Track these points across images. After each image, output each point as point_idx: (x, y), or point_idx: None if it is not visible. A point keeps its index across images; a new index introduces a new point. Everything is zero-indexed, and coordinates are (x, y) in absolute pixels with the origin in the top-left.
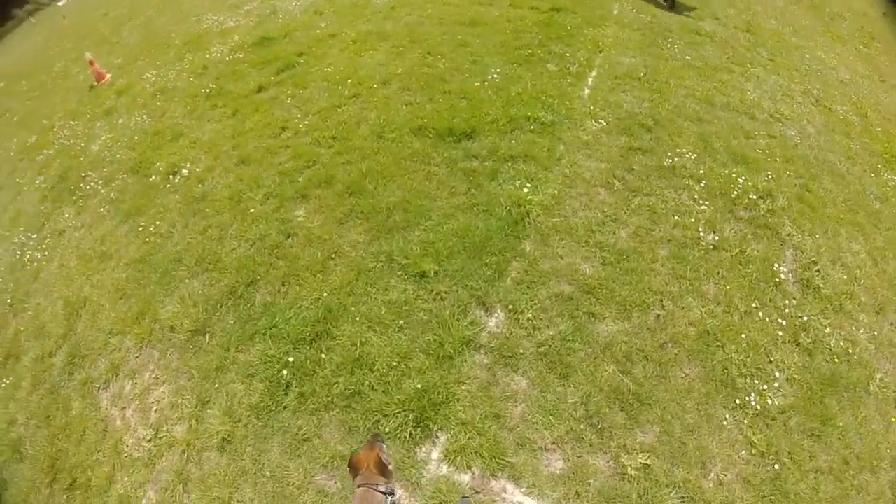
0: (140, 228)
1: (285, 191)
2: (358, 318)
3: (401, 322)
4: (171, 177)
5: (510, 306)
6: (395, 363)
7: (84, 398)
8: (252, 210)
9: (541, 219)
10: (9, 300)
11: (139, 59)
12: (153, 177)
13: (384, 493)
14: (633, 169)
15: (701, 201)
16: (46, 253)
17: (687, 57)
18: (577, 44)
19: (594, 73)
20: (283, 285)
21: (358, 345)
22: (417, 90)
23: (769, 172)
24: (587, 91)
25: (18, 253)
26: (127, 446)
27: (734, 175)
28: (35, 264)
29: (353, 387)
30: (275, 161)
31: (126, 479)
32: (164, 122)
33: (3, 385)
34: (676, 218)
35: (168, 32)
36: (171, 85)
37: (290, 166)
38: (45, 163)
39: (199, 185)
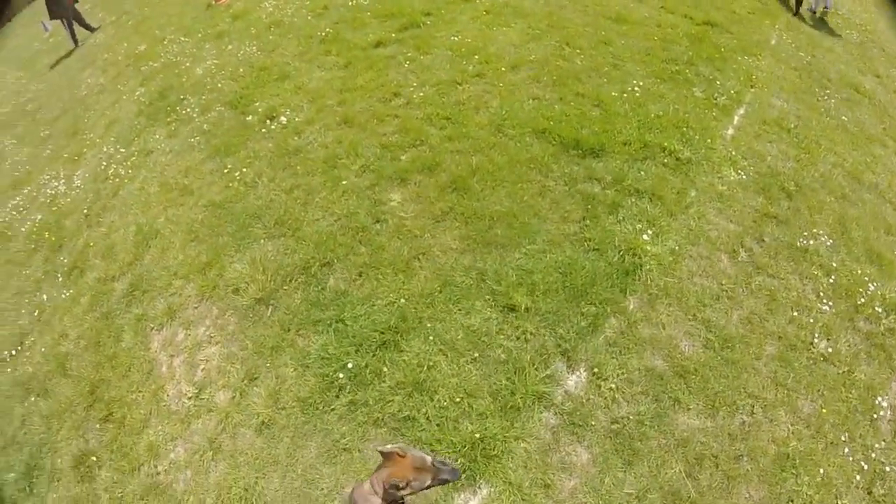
0: (226, 170)
1: (384, 168)
2: (431, 337)
3: (476, 354)
4: (268, 121)
5: (595, 369)
6: (458, 399)
7: (136, 334)
8: (345, 181)
9: (653, 275)
10: (85, 210)
11: None
12: (250, 116)
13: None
14: (763, 240)
15: (825, 300)
16: (130, 171)
17: (843, 117)
18: (729, 70)
19: (742, 111)
20: (360, 276)
21: (425, 367)
22: (548, 85)
23: None
24: (731, 131)
25: (104, 164)
26: (167, 396)
27: (865, 277)
28: (117, 180)
29: (408, 411)
30: (379, 130)
31: (160, 428)
32: (272, 59)
33: (63, 296)
34: (795, 313)
35: None
36: (287, 20)
37: (394, 140)
38: (148, 75)
39: (296, 138)
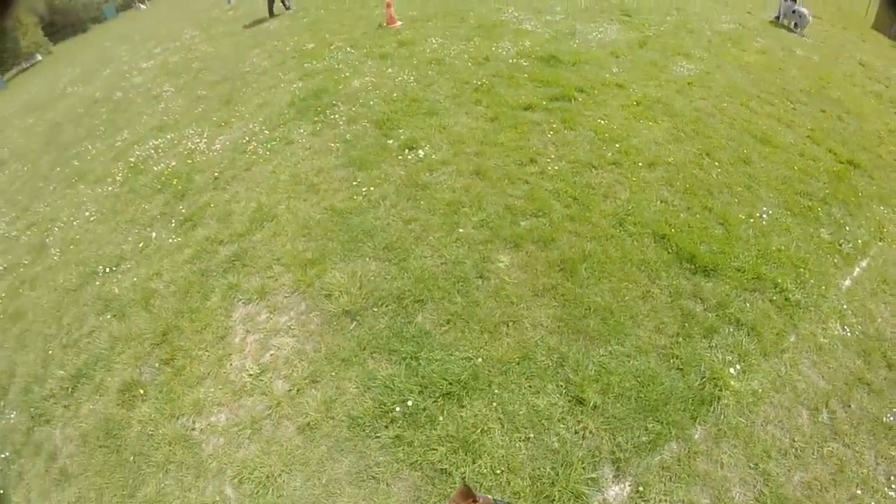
0: (355, 182)
1: (502, 228)
2: (495, 403)
3: (531, 434)
4: (406, 150)
5: (641, 487)
6: (499, 470)
7: (224, 299)
8: (461, 229)
9: (728, 411)
10: (216, 174)
11: (431, 21)
12: (391, 140)
13: None
14: (849, 406)
15: (894, 485)
16: (268, 153)
17: None
18: (862, 217)
19: (864, 264)
20: (448, 323)
21: (479, 429)
22: (679, 191)
23: None
24: (848, 282)
25: (247, 138)
26: (231, 365)
27: None
28: (254, 157)
29: (448, 464)
30: (507, 190)
31: (212, 390)
32: (426, 93)
33: (171, 241)
34: (858, 491)
35: (468, 9)
36: (448, 60)
37: (518, 204)
38: (309, 72)
39: (427, 174)
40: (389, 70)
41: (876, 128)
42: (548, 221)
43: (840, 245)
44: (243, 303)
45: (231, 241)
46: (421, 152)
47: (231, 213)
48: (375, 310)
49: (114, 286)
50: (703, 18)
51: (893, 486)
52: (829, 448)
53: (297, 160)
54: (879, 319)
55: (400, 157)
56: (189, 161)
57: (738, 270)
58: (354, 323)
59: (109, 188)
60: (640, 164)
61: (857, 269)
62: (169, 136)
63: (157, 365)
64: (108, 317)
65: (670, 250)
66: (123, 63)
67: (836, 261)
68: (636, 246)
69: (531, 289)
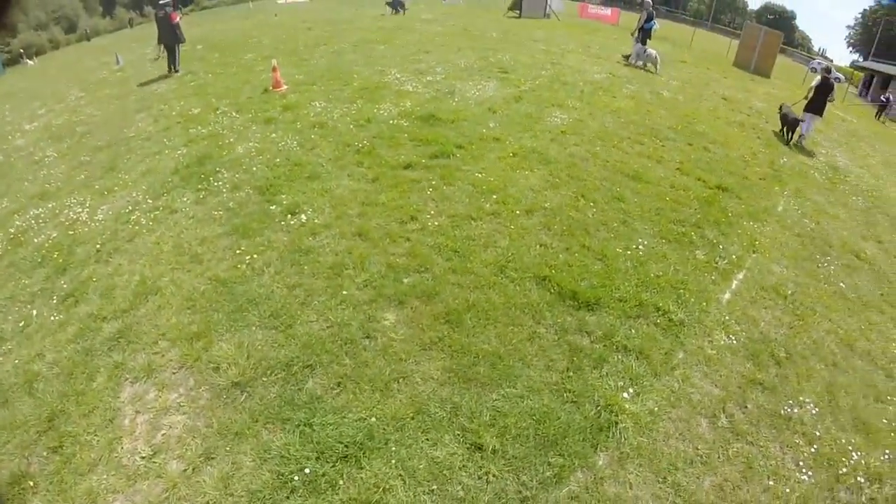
0: (238, 250)
1: (385, 286)
2: (393, 462)
3: (434, 487)
4: (289, 215)
5: None
6: None
7: (110, 379)
8: (345, 291)
9: (628, 433)
10: (98, 246)
11: (316, 84)
12: (274, 206)
13: None
14: (746, 407)
15: (805, 469)
16: (151, 223)
17: (841, 284)
18: (734, 235)
19: (741, 276)
20: (339, 385)
21: (381, 490)
22: (558, 233)
23: (888, 451)
24: (728, 296)
25: (129, 208)
26: (122, 448)
27: (849, 446)
28: (137, 227)
29: None
30: (389, 249)
31: (105, 477)
32: (308, 157)
33: (52, 319)
34: (771, 482)
35: (352, 72)
36: (331, 123)
37: (401, 262)
38: (194, 138)
39: (310, 238)
40: (273, 135)
41: (741, 153)
42: (430, 276)
43: (716, 263)
44: (130, 382)
45: (115, 316)
46: (303, 216)
47: (114, 288)
48: (265, 379)
49: None
50: (576, 71)
51: (804, 470)
52: (734, 449)
53: (180, 230)
54: (762, 323)
55: (283, 223)
56: (70, 232)
57: (621, 301)
58: (245, 394)
59: None
60: (518, 211)
61: (735, 282)
62: (50, 206)
63: (44, 454)
64: None
65: (552, 290)
66: (7, 123)
67: (713, 277)
68: (519, 290)
69: (418, 343)
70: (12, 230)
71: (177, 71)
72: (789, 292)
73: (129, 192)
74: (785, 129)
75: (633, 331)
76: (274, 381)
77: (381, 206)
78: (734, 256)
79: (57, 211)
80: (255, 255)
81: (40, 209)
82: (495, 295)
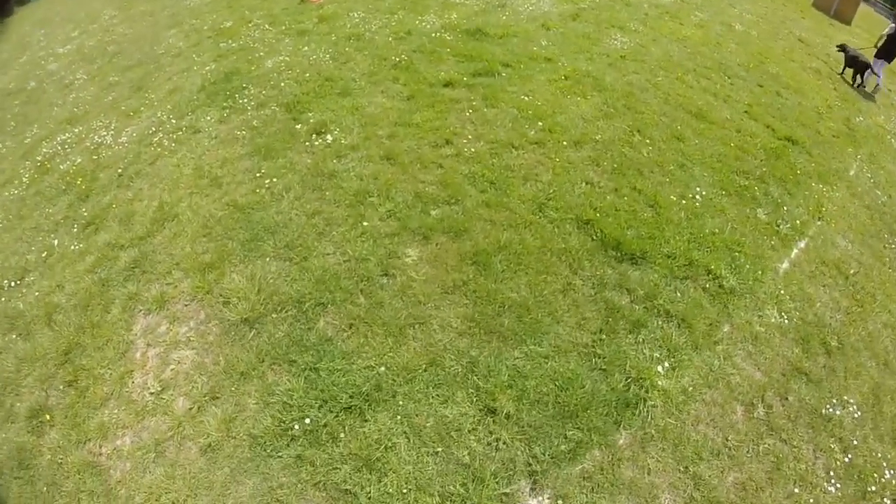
0: (259, 173)
1: (410, 219)
2: (399, 417)
3: (439, 448)
4: (315, 135)
5: (560, 501)
6: (405, 489)
7: (124, 311)
8: (366, 222)
9: (656, 412)
10: (120, 170)
11: None
12: (300, 125)
13: None
14: (786, 399)
15: (834, 479)
16: (174, 145)
17: None
18: (801, 196)
19: (802, 245)
20: (350, 328)
21: (383, 446)
22: (607, 171)
23: None
24: (786, 265)
25: (153, 129)
26: (133, 383)
27: (884, 462)
28: (159, 149)
29: (352, 485)
30: (419, 176)
31: (116, 411)
32: (341, 72)
33: (73, 248)
34: (797, 489)
35: None
36: (368, 35)
37: (430, 191)
38: (224, 52)
39: (335, 161)
40: (305, 48)
41: (815, 104)
42: (461, 209)
43: (778, 226)
44: (143, 314)
45: (132, 245)
46: (330, 137)
47: (133, 214)
48: (275, 316)
49: (18, 301)
50: None
51: (833, 480)
52: (766, 445)
53: (202, 151)
54: (818, 304)
55: (307, 144)
56: (95, 157)
57: (669, 257)
58: (253, 331)
59: (16, 191)
60: (566, 142)
61: (796, 251)
62: (77, 130)
63: (61, 387)
64: (14, 336)
65: (595, 237)
66: (40, 49)
67: (773, 243)
68: (557, 233)
69: (440, 286)
70: (39, 158)
71: None
72: (851, 272)
73: (155, 111)
74: (853, 73)
75: (678, 294)
76: (284, 318)
77: (415, 126)
78: (798, 221)
79: (83, 136)
80: (275, 179)
81: (67, 134)
82: (530, 236)
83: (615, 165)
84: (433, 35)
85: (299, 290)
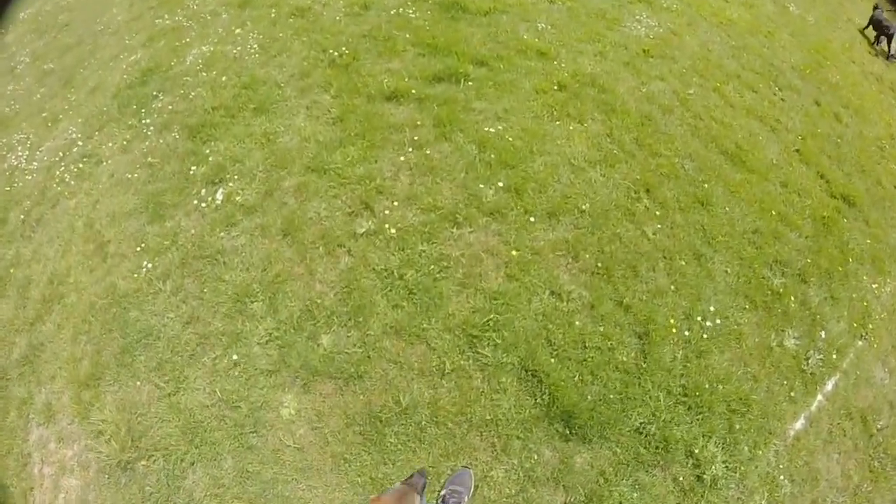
0: (141, 246)
1: (294, 348)
2: None
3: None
4: (208, 186)
5: None
6: None
7: (20, 416)
8: (242, 348)
9: None
10: (24, 215)
11: None
12: (196, 166)
13: None
14: None
15: None
16: (73, 182)
17: None
18: (846, 300)
19: (831, 386)
20: (216, 497)
21: None
22: (587, 269)
23: None
24: (800, 425)
25: (62, 153)
26: (34, 502)
27: None
28: (60, 186)
29: None
30: (318, 272)
31: None
32: (266, 71)
33: None
34: None
35: None
36: (317, 8)
37: (326, 303)
38: (154, 35)
39: (222, 233)
40: (238, 30)
41: (877, 132)
42: (360, 338)
43: (807, 359)
44: (37, 423)
45: (25, 328)
46: (222, 191)
47: (30, 283)
48: (144, 464)
49: None
50: None
51: None
52: None
53: (97, 196)
54: (823, 483)
55: (198, 199)
56: (8, 188)
57: (639, 432)
58: (126, 478)
59: None
60: (536, 213)
61: (819, 399)
62: (3, 142)
63: None
64: None
65: (539, 399)
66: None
67: (793, 391)
68: (486, 391)
69: (317, 460)
70: None
71: None
72: (878, 426)
73: (71, 122)
74: (875, 35)
75: (636, 492)
76: (153, 469)
77: (333, 173)
78: (834, 349)
79: (4, 151)
80: (156, 259)
81: None
82: (447, 394)
83: (601, 259)
84: (396, 11)
85: (168, 436)
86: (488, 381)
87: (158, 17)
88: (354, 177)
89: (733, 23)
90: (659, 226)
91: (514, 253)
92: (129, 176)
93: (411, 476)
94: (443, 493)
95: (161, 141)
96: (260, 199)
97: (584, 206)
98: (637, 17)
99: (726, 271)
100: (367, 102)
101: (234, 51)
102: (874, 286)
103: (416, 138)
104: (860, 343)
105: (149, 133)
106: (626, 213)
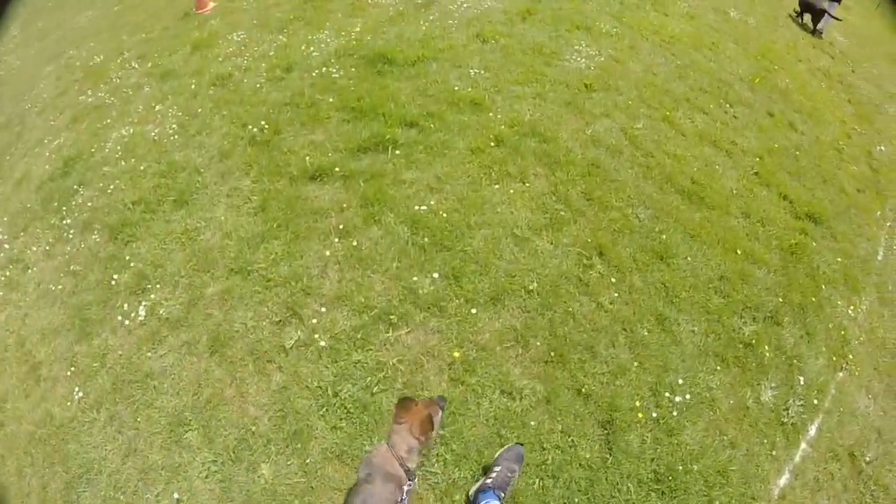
0: (71, 369)
1: (231, 492)
2: None
3: None
4: (131, 297)
5: None
6: None
7: None
8: (179, 487)
9: None
10: None
11: None
12: (119, 274)
13: (405, 473)
14: None
15: None
16: (2, 293)
17: None
18: (821, 332)
19: (814, 431)
20: None
21: None
22: (539, 358)
23: None
24: (784, 481)
25: None
26: None
27: None
28: None
29: None
30: (250, 394)
31: None
32: (185, 155)
33: None
34: None
35: None
36: (238, 75)
37: (262, 431)
38: (79, 115)
39: (149, 353)
40: (158, 106)
41: (832, 133)
42: (300, 466)
43: (786, 409)
44: None
45: None
46: (145, 305)
47: None
48: None
49: None
50: None
51: None
52: None
53: (25, 309)
54: None
55: (122, 315)
56: None
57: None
58: None
59: None
60: (478, 301)
61: (803, 447)
62: None
63: None
64: None
65: None
66: None
67: (774, 449)
68: None
69: None
70: None
71: None
72: (867, 458)
73: None
74: (812, 19)
75: None
76: None
77: (257, 276)
78: (814, 390)
79: None
80: (87, 382)
81: None
82: None
83: (554, 344)
84: (320, 70)
85: None
86: (441, 502)
87: (83, 92)
88: (279, 278)
89: (676, 39)
90: (616, 294)
91: (455, 354)
92: (54, 288)
93: (436, 399)
94: (497, 469)
95: (83, 245)
96: (184, 310)
97: (531, 285)
98: (576, 47)
99: (693, 331)
100: (289, 185)
101: (154, 132)
102: (850, 309)
103: (342, 226)
104: (840, 375)
105: (71, 236)
106: (579, 284)
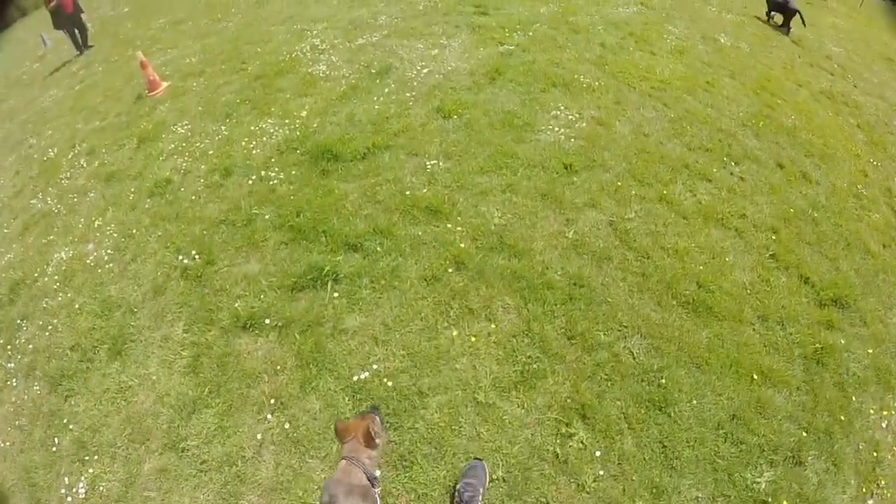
0: None
1: None
2: None
3: None
4: (74, 469)
5: None
6: None
7: None
8: None
9: None
10: None
11: (203, 75)
12: (56, 441)
13: (368, 478)
14: None
15: None
16: None
17: None
18: (849, 456)
19: None
20: None
21: None
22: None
23: None
24: None
25: None
26: None
27: None
28: None
29: None
30: None
31: None
32: (120, 289)
33: None
34: None
35: (262, 37)
36: (177, 180)
37: None
38: (28, 222)
39: (97, 497)
40: (98, 220)
41: (849, 174)
42: None
43: None
44: None
45: None
46: (84, 478)
47: None
48: None
49: None
50: (590, 1)
51: None
52: None
53: None
54: None
55: (65, 487)
56: None
57: None
58: None
59: None
60: (431, 497)
61: None
62: None
63: None
64: None
65: None
66: None
67: None
68: None
69: None
70: None
71: (81, 50)
72: None
73: None
74: (783, 19)
75: None
76: None
77: (191, 456)
78: None
79: None
80: None
81: None
82: None
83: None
84: (259, 175)
85: None
86: None
87: (35, 194)
88: (213, 461)
89: (667, 84)
90: (601, 470)
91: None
92: (3, 444)
93: (368, 410)
94: (458, 486)
95: (26, 395)
96: (123, 488)
97: (496, 472)
98: (553, 112)
99: (697, 498)
100: (220, 336)
101: (92, 256)
102: (882, 415)
103: (276, 398)
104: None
105: (15, 383)
106: (555, 462)
